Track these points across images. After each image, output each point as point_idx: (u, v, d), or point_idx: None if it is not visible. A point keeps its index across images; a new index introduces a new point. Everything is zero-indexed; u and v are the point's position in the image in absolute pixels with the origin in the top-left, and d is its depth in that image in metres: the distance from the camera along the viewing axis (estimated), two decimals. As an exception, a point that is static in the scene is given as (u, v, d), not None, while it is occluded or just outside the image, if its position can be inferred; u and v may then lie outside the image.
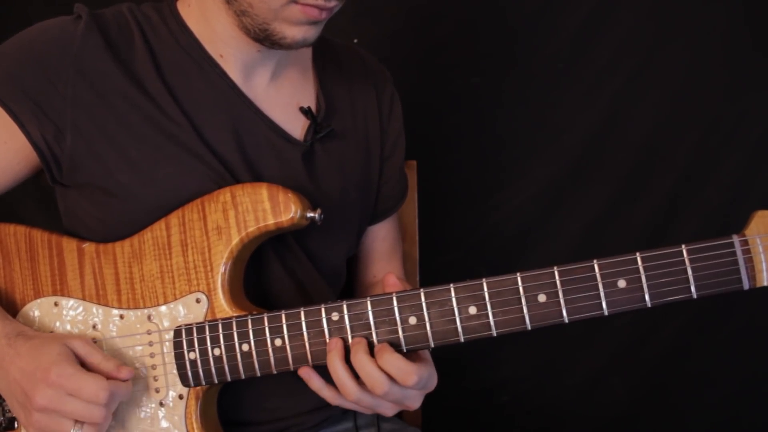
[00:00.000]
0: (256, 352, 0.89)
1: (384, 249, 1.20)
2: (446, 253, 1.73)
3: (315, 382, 0.87)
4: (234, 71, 1.00)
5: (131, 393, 0.89)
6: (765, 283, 0.78)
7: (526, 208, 1.71)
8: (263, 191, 0.92)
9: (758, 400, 1.71)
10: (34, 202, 1.64)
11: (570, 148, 1.68)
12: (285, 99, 1.04)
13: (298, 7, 0.89)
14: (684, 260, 0.79)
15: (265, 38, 0.93)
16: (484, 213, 1.73)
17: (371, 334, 0.86)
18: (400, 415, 1.31)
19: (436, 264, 1.62)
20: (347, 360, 0.85)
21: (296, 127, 1.04)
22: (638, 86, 1.65)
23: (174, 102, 0.96)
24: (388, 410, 0.88)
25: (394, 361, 0.83)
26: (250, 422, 1.03)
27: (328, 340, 0.87)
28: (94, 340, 0.94)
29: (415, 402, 0.88)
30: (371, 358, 0.84)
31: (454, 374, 1.55)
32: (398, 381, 0.83)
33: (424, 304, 0.84)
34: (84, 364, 0.87)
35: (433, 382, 0.89)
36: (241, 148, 0.98)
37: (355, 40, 1.64)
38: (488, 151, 1.72)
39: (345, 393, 0.85)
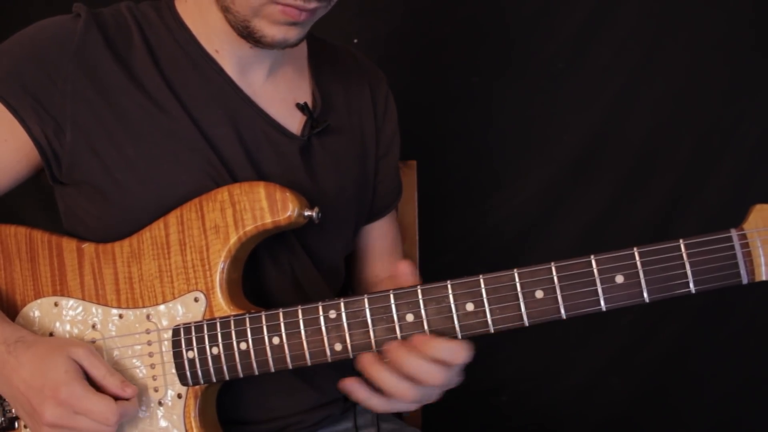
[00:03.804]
0: (254, 350, 0.88)
1: (384, 247, 1.20)
2: (446, 253, 1.73)
3: (362, 392, 0.84)
4: (230, 67, 1.00)
5: (137, 410, 0.90)
6: (764, 278, 0.77)
7: (526, 208, 1.71)
8: (260, 190, 0.92)
9: (758, 400, 1.70)
10: (34, 203, 1.64)
11: (570, 148, 1.68)
12: (281, 95, 1.04)
13: (279, 8, 0.88)
14: (682, 255, 0.78)
15: (248, 35, 0.93)
16: (484, 213, 1.73)
17: (368, 331, 0.85)
18: (400, 415, 1.31)
19: (435, 264, 1.62)
20: None
21: (293, 122, 1.04)
22: (638, 86, 1.65)
23: (173, 98, 0.96)
24: (434, 397, 0.86)
25: (442, 344, 0.81)
26: (250, 421, 1.03)
27: (325, 338, 0.86)
28: (93, 340, 0.94)
29: (455, 379, 0.85)
30: (416, 353, 0.81)
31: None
32: (449, 362, 0.81)
33: (421, 301, 0.84)
34: (87, 377, 0.87)
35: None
36: (240, 143, 0.99)
37: (355, 41, 1.65)
38: (488, 151, 1.72)
39: (403, 396, 0.82)
